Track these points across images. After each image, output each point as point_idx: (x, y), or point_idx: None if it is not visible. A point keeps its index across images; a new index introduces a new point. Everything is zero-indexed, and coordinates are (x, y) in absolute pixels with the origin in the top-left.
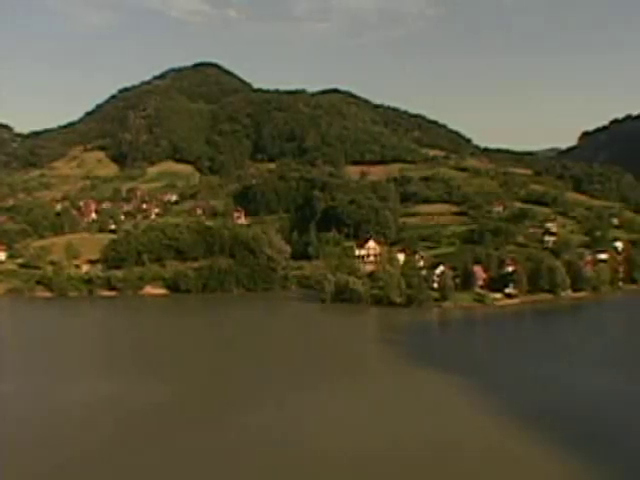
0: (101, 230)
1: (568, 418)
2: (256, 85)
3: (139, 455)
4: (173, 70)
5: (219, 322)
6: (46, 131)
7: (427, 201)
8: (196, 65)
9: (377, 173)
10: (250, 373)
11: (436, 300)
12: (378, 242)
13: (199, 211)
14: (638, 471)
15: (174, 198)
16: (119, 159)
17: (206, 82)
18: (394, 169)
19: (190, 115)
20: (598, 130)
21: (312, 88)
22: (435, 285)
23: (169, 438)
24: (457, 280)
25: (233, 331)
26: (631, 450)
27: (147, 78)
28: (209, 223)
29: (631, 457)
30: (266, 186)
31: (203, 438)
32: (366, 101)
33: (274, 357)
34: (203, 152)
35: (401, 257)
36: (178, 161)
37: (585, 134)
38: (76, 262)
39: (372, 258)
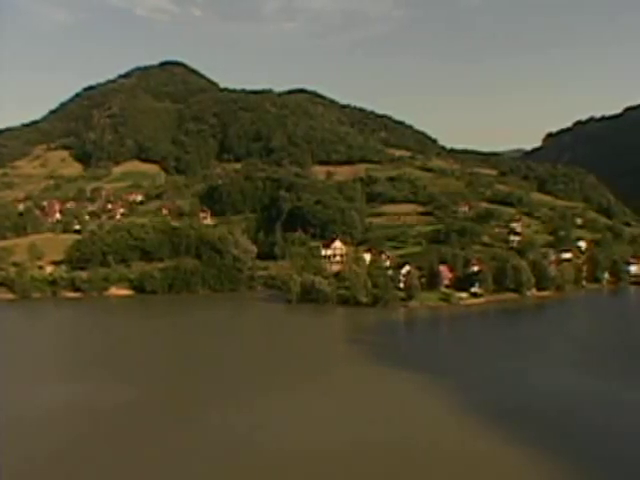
0: (65, 230)
1: (533, 416)
2: (223, 85)
3: (101, 458)
4: (139, 69)
5: (184, 323)
6: (8, 129)
7: (393, 201)
8: (162, 64)
9: (343, 173)
10: (216, 375)
11: (402, 300)
12: (344, 242)
13: (165, 211)
14: (599, 465)
15: (140, 198)
16: (83, 158)
17: (172, 81)
18: (360, 169)
19: (156, 114)
20: (562, 131)
21: (279, 88)
22: (401, 285)
23: (134, 440)
24: (423, 280)
25: (199, 332)
26: (593, 445)
27: (112, 77)
28: (175, 223)
29: (592, 451)
30: (232, 186)
31: (166, 439)
32: (333, 101)
33: (240, 358)
34: (169, 152)
35: (367, 257)
36: (144, 161)
37: (549, 135)
38: (40, 263)
39: (338, 258)
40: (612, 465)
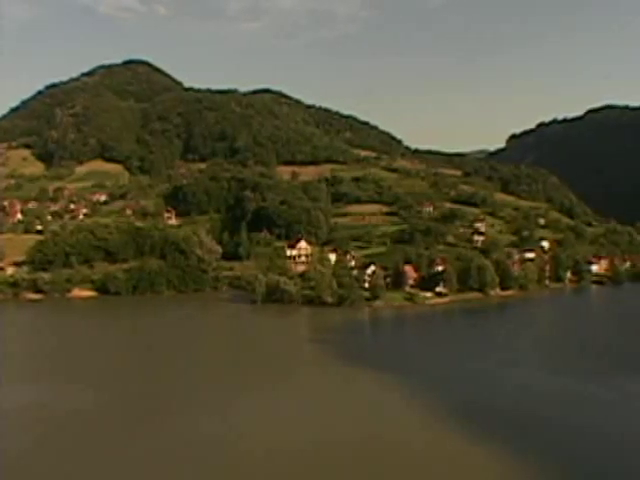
0: (27, 231)
1: (498, 415)
2: (187, 84)
3: (61, 462)
4: (103, 67)
5: (148, 324)
6: None
7: (358, 201)
8: (126, 62)
9: (309, 173)
10: (181, 377)
11: (367, 300)
12: (309, 242)
13: (129, 211)
14: (563, 463)
15: (103, 198)
16: (46, 158)
17: (136, 80)
18: (325, 169)
19: (120, 113)
20: (525, 133)
21: (244, 88)
22: (366, 285)
23: (95, 444)
24: (388, 280)
25: (162, 334)
26: (556, 443)
27: (76, 75)
28: (139, 224)
29: (556, 449)
30: (197, 186)
31: (129, 441)
32: (298, 101)
33: (205, 360)
34: (133, 151)
35: (332, 257)
36: (107, 160)
37: (513, 137)
38: (0, 264)
39: (303, 258)
40: (575, 463)
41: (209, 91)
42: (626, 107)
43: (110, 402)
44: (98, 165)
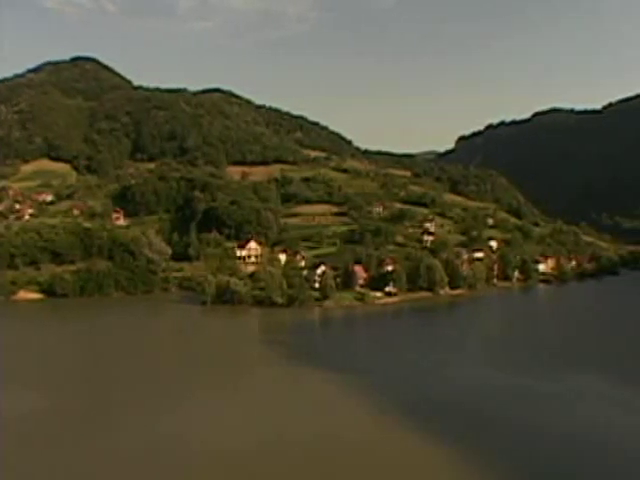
0: None
1: (447, 412)
2: (137, 82)
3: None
4: (49, 64)
5: (96, 327)
6: None
7: (308, 202)
8: (74, 59)
9: (258, 174)
10: (130, 380)
11: (317, 300)
12: (259, 243)
13: (76, 212)
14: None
15: (50, 198)
16: None
17: (84, 77)
18: (275, 170)
19: (67, 111)
20: (474, 134)
21: (194, 87)
22: (316, 285)
23: (42, 447)
24: (338, 280)
25: (110, 336)
26: (505, 440)
27: (21, 71)
28: (87, 224)
29: (503, 446)
30: (146, 186)
31: (78, 442)
32: (248, 101)
33: (154, 362)
34: (80, 150)
35: (282, 257)
36: (54, 159)
37: (462, 138)
38: None
39: (253, 259)
40: (525, 458)
41: (158, 90)
42: (572, 110)
43: (57, 406)
44: (44, 164)
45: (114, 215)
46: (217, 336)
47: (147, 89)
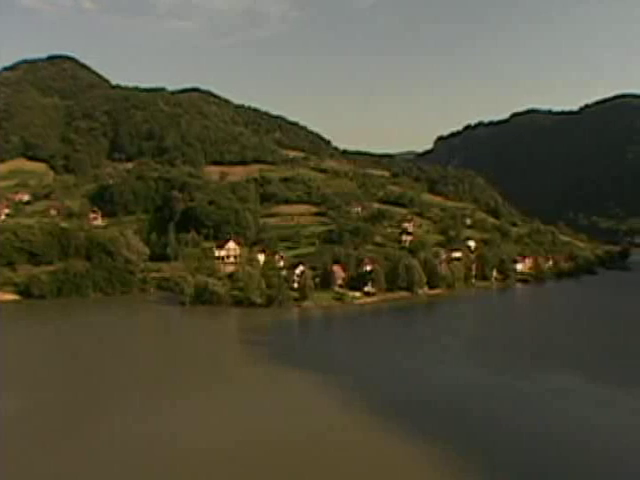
0: None
1: (429, 413)
2: (114, 81)
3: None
4: (26, 62)
5: (74, 328)
6: None
7: (287, 202)
8: (51, 57)
9: (237, 173)
10: (109, 381)
11: (296, 300)
12: (238, 243)
13: (53, 212)
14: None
15: (26, 198)
16: None
17: (61, 76)
18: (254, 170)
19: (44, 110)
20: (453, 135)
21: (173, 86)
22: (295, 285)
23: (24, 448)
24: (317, 280)
25: (89, 338)
26: (487, 438)
27: None
28: (64, 224)
29: (484, 443)
30: (124, 186)
31: (60, 442)
32: (227, 101)
33: (133, 364)
34: (57, 150)
35: (261, 257)
36: (30, 159)
37: (440, 139)
38: None
39: (232, 259)
40: (509, 457)
41: (137, 89)
42: (549, 112)
43: (38, 408)
44: (21, 164)
45: (92, 215)
46: (196, 337)
47: (125, 88)
